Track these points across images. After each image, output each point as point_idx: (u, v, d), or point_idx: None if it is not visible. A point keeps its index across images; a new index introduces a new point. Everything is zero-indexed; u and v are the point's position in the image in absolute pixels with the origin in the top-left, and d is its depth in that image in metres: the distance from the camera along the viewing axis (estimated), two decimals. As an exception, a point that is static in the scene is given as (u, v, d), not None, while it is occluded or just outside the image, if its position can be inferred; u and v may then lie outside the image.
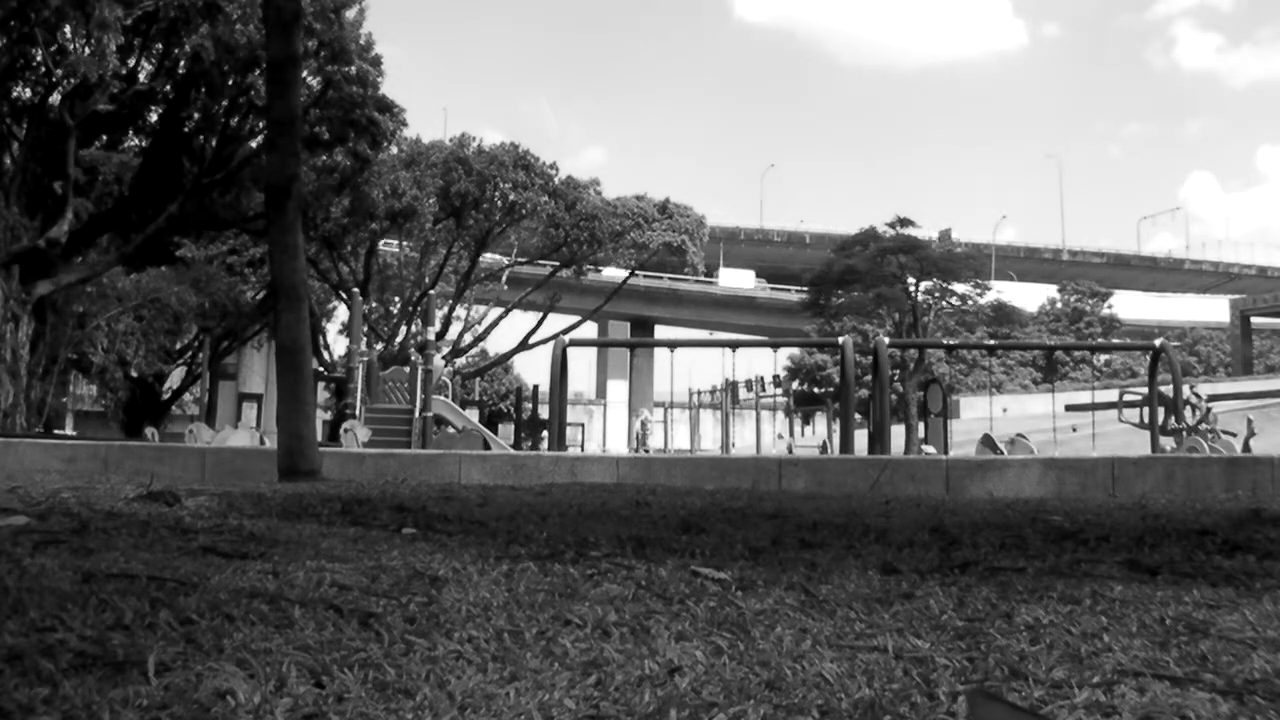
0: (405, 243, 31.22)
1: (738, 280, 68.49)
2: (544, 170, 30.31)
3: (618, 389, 57.60)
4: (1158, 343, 16.24)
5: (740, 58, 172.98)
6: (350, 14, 21.04)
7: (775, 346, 18.98)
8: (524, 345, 34.55)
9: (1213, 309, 64.77)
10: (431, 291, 24.19)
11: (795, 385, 41.79)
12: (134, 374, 25.61)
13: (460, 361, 32.86)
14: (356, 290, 21.65)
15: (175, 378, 31.54)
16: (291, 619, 1.78)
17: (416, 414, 16.05)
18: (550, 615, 1.91)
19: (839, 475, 7.89)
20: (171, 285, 23.73)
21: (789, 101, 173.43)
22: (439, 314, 27.34)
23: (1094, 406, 19.22)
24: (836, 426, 20.04)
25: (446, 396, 18.99)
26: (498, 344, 39.12)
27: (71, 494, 4.52)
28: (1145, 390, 17.43)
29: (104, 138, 23.06)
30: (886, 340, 17.56)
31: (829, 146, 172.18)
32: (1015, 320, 40.75)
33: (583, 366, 62.58)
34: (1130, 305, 64.21)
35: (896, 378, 31.67)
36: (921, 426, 21.42)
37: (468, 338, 34.32)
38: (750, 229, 71.89)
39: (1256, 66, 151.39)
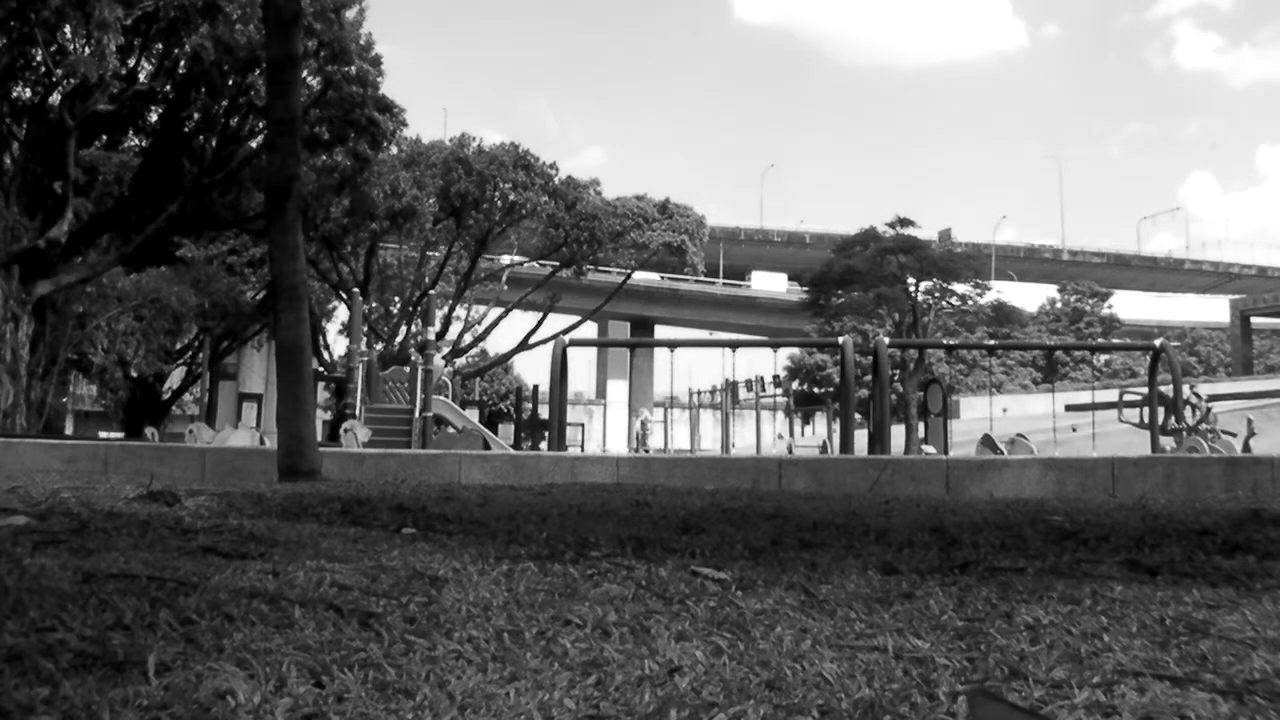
0: (405, 243, 31.22)
1: (770, 284, 68.41)
2: (544, 170, 30.31)
3: (618, 389, 57.64)
4: (1158, 343, 16.24)
5: (740, 58, 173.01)
6: (350, 14, 21.05)
7: (775, 346, 18.97)
8: (524, 345, 34.55)
9: (1213, 309, 64.81)
10: (431, 291, 24.19)
11: (795, 385, 41.80)
12: (134, 374, 25.60)
13: (460, 361, 32.86)
14: (356, 290, 21.64)
15: (175, 378, 31.53)
16: (291, 619, 1.78)
17: (416, 414, 16.05)
18: (550, 615, 1.92)
19: (839, 475, 7.89)
20: (171, 285, 23.72)
21: (789, 101, 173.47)
22: (439, 314, 27.34)
23: (1094, 406, 19.23)
24: (836, 426, 20.04)
25: (446, 396, 18.98)
26: (498, 344, 39.18)
27: (71, 494, 4.52)
28: (1145, 390, 17.43)
29: (104, 138, 23.07)
30: (886, 340, 17.56)
31: (829, 146, 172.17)
32: (1015, 320, 40.73)
33: (583, 366, 62.69)
34: (1130, 305, 64.23)
35: (896, 378, 31.67)
36: (921, 426, 21.42)
37: (468, 338, 34.32)
38: (750, 229, 71.88)
39: (1256, 66, 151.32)
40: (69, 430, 30.42)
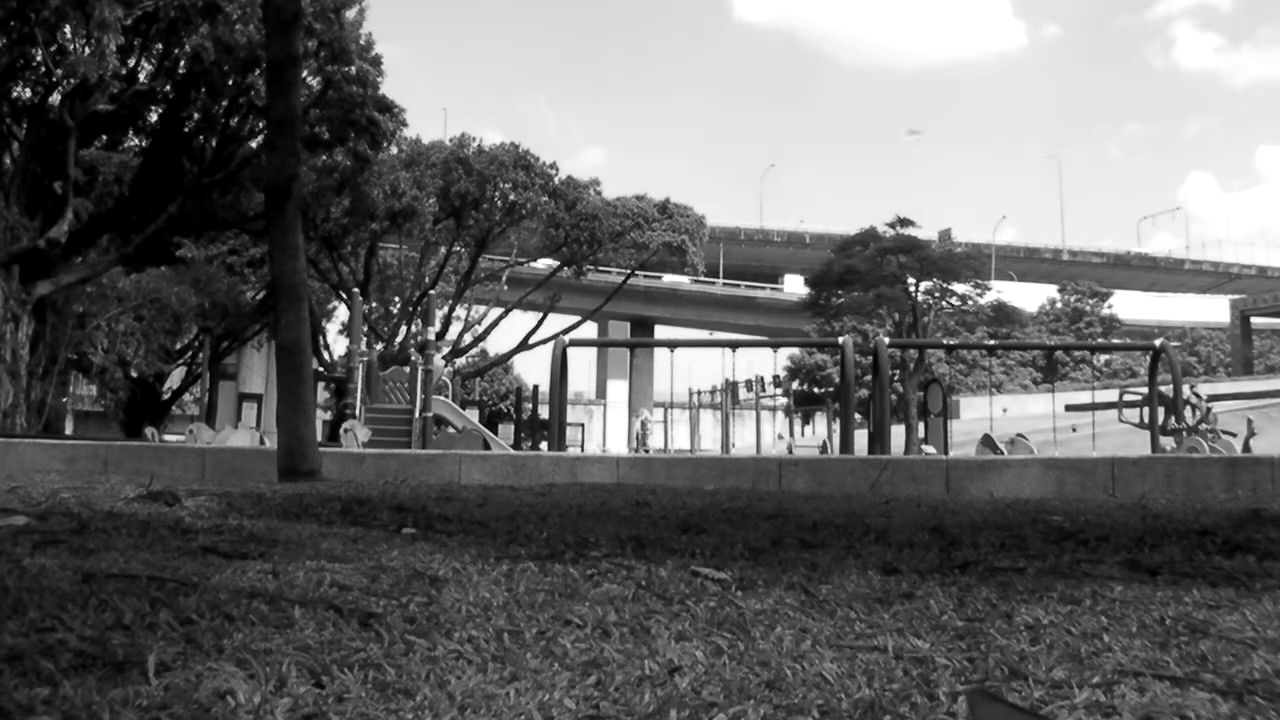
0: (405, 243, 31.22)
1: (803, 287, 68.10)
2: (544, 170, 30.31)
3: (618, 389, 57.63)
4: (1158, 343, 16.24)
5: (740, 58, 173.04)
6: (350, 14, 21.05)
7: (775, 346, 18.97)
8: (524, 345, 34.56)
9: (1213, 309, 64.81)
10: (431, 291, 24.19)
11: (795, 385, 41.80)
12: (134, 374, 25.60)
13: (460, 361, 32.85)
14: (356, 290, 21.65)
15: (175, 378, 31.53)
16: (291, 619, 1.78)
17: (416, 414, 16.04)
18: (550, 615, 1.92)
19: (839, 475, 7.89)
20: (171, 285, 23.73)
21: (789, 101, 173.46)
22: (439, 314, 27.34)
23: (1094, 406, 19.23)
24: (836, 426, 20.04)
25: (446, 396, 18.98)
26: (498, 344, 39.18)
27: (71, 494, 4.52)
28: (1145, 390, 17.43)
29: (104, 138, 23.07)
30: (886, 340, 17.55)
31: (829, 146, 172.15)
32: (1015, 320, 40.72)
33: (583, 366, 62.64)
34: (1130, 305, 64.24)
35: (896, 378, 31.67)
36: (921, 426, 21.42)
37: (468, 338, 34.33)
38: (750, 229, 71.86)
39: (1256, 66, 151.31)
40: (69, 430, 30.42)
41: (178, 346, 29.96)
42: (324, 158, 23.08)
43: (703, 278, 44.03)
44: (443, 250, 31.29)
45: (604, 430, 38.35)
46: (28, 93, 20.01)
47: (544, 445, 19.52)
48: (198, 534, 3.07)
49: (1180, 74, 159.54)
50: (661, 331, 62.98)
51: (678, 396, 32.12)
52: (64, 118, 17.96)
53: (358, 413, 16.16)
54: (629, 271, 36.79)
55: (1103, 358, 51.33)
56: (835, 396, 27.90)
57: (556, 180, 30.73)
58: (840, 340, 15.76)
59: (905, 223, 37.03)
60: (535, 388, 31.19)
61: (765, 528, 3.70)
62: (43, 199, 19.27)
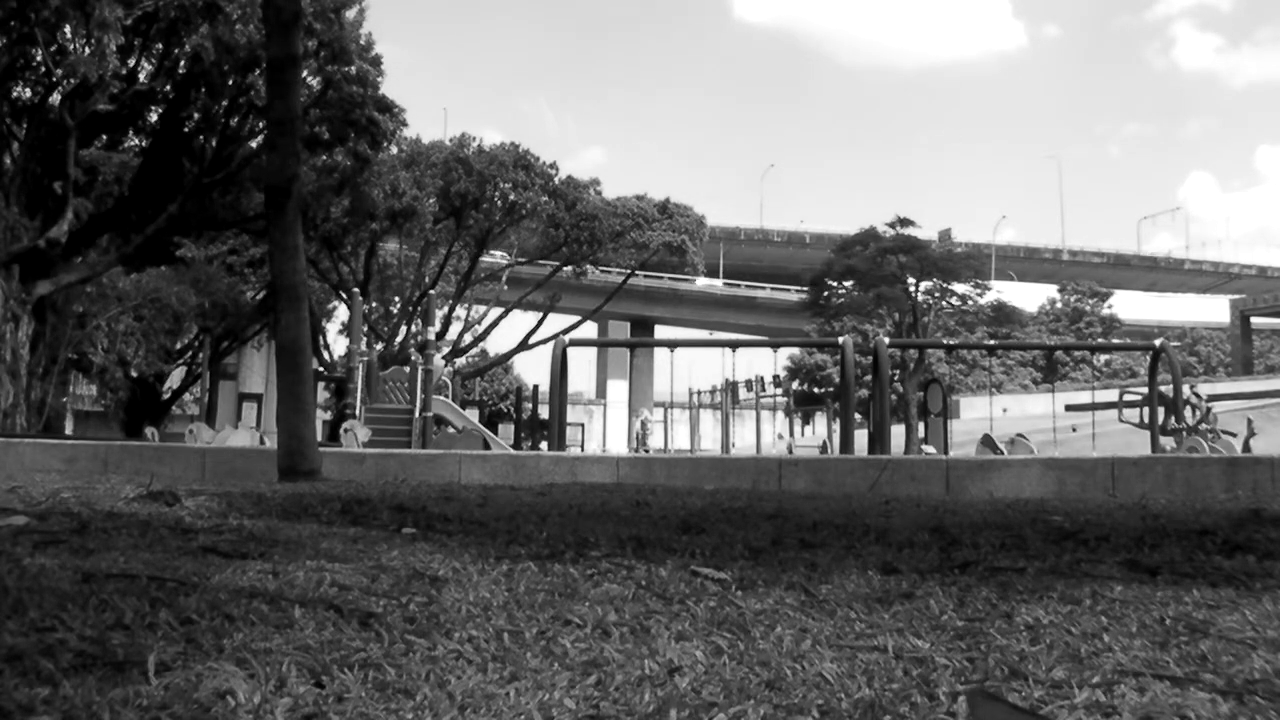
0: (405, 243, 31.22)
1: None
2: (544, 170, 30.31)
3: (618, 389, 57.59)
4: (1158, 343, 16.24)
5: (740, 58, 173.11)
6: (350, 14, 21.05)
7: (775, 346, 18.99)
8: (524, 345, 34.56)
9: (1213, 309, 64.81)
10: (431, 291, 24.19)
11: (795, 385, 41.79)
12: (134, 374, 25.60)
13: (460, 361, 32.84)
14: (356, 290, 21.64)
15: (175, 378, 31.52)
16: (291, 619, 1.78)
17: (416, 414, 16.04)
18: (550, 615, 1.91)
19: (839, 475, 7.89)
20: (171, 285, 23.71)
21: (789, 101, 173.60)
22: (439, 314, 27.34)
23: (1094, 406, 19.23)
24: (836, 426, 20.04)
25: (446, 396, 18.98)
26: (498, 344, 39.18)
27: (71, 494, 4.52)
28: (1145, 390, 17.44)
29: (104, 138, 23.06)
30: (886, 340, 17.56)
31: (829, 146, 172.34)
32: (1015, 320, 40.73)
33: (583, 366, 62.63)
34: (1130, 305, 64.24)
35: (896, 378, 31.66)
36: (921, 426, 21.41)
37: (468, 338, 34.33)
38: (750, 229, 71.87)
39: (1256, 67, 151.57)
40: (69, 430, 30.41)
41: (178, 346, 29.95)
42: (324, 158, 23.07)
43: (703, 277, 44.04)
44: (443, 250, 31.28)
45: (604, 430, 38.32)
46: (28, 93, 20.01)
47: (544, 445, 19.51)
48: (198, 534, 3.07)
49: (1180, 74, 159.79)
50: (661, 331, 62.97)
51: (678, 396, 32.13)
52: (64, 118, 17.96)
53: (358, 413, 16.15)
54: (629, 271, 36.80)
55: (1103, 358, 51.32)
56: (835, 396, 27.89)
57: (556, 180, 30.73)
58: (840, 340, 15.77)
59: (905, 223, 37.03)
60: (535, 388, 31.18)
61: (765, 528, 3.70)
62: (43, 199, 19.26)
